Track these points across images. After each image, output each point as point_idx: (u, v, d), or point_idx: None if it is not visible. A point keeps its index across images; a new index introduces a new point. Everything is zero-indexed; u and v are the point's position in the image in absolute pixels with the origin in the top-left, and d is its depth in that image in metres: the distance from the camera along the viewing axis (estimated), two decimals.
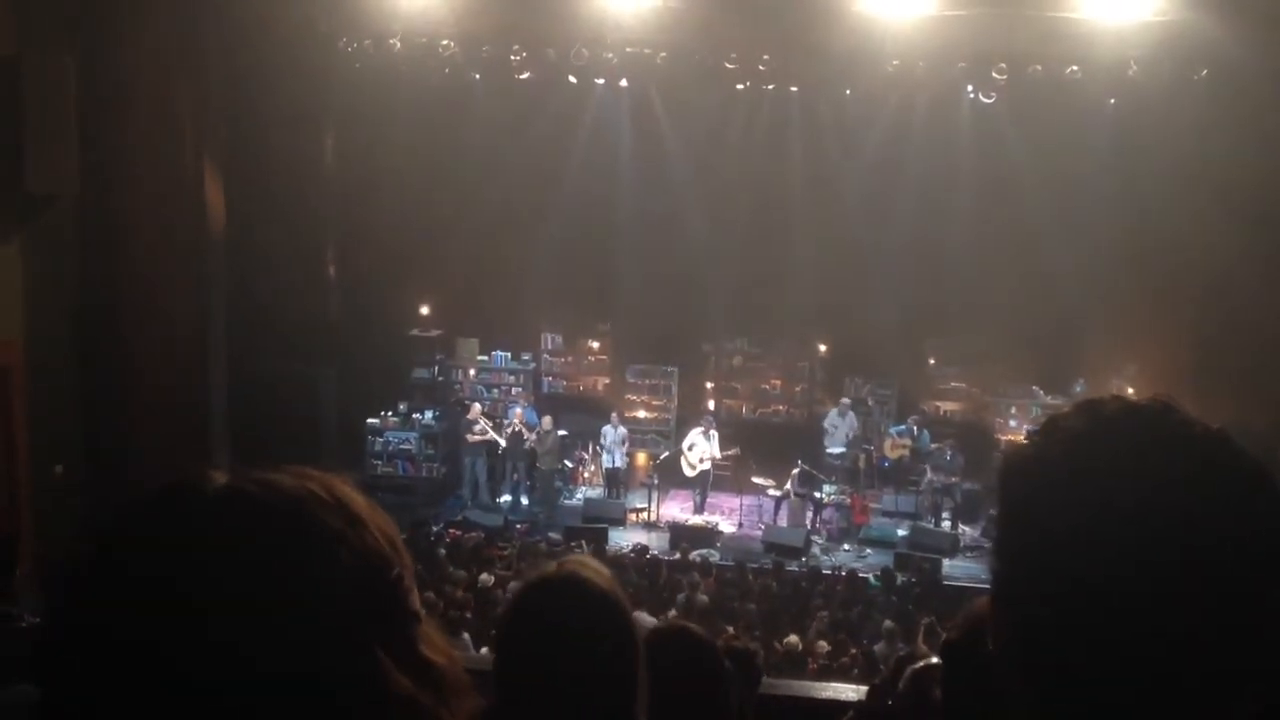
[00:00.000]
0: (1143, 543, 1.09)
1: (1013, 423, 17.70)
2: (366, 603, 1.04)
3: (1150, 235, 15.51)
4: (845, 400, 17.73)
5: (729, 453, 16.71)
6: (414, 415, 17.71)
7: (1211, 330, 15.08)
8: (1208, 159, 14.15)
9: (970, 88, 15.79)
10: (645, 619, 10.59)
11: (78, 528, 11.26)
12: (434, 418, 17.72)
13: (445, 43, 15.04)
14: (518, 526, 15.71)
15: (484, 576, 12.13)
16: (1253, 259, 14.24)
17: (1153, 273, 15.78)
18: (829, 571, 14.10)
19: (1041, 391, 17.75)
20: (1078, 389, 17.42)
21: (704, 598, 11.86)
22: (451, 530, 14.86)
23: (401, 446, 17.53)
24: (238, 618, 0.97)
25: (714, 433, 16.76)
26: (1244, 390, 13.60)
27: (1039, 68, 14.60)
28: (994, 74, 14.86)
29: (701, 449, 16.58)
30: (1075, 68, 14.41)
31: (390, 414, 17.69)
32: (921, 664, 4.02)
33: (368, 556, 1.06)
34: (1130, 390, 17.06)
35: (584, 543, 14.21)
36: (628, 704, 2.11)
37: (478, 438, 16.96)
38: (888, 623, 11.17)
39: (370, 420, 17.58)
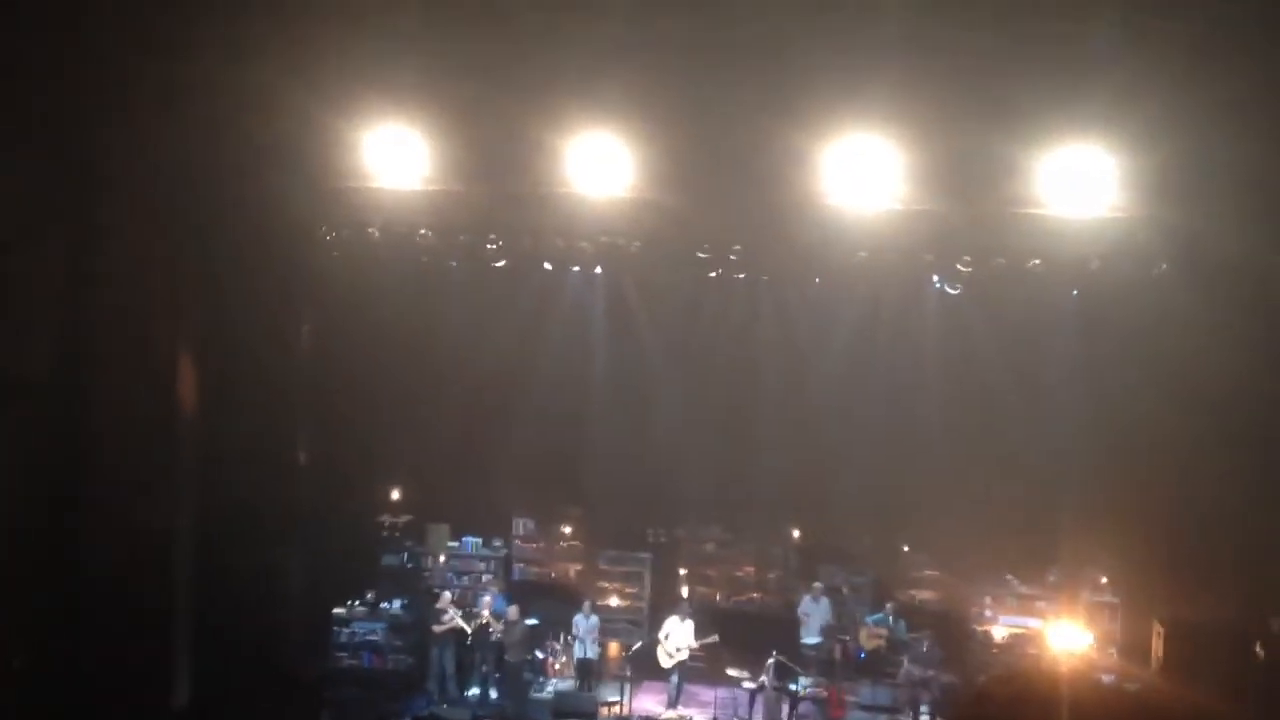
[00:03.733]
0: None
1: (988, 613, 17.44)
2: None
3: (1118, 423, 15.61)
4: (818, 585, 17.51)
5: (707, 640, 16.22)
6: (381, 604, 17.34)
7: (1183, 520, 15.02)
8: (1171, 349, 14.32)
9: (936, 278, 16.07)
10: None
11: None
12: (402, 607, 17.35)
13: (423, 231, 15.28)
14: None
15: None
16: (1220, 448, 14.30)
17: (1122, 461, 15.78)
18: None
19: (1016, 580, 17.59)
20: (1051, 579, 17.31)
21: None
22: None
23: (368, 637, 17.09)
24: None
25: (690, 620, 16.41)
26: (1218, 580, 13.52)
27: (1002, 260, 14.89)
28: (959, 265, 15.16)
29: (678, 638, 16.20)
30: (1038, 260, 14.68)
31: (357, 603, 17.31)
32: None
33: None
34: (1104, 579, 17.03)
35: None
36: None
37: (445, 627, 16.57)
38: None
39: (336, 610, 17.18)
